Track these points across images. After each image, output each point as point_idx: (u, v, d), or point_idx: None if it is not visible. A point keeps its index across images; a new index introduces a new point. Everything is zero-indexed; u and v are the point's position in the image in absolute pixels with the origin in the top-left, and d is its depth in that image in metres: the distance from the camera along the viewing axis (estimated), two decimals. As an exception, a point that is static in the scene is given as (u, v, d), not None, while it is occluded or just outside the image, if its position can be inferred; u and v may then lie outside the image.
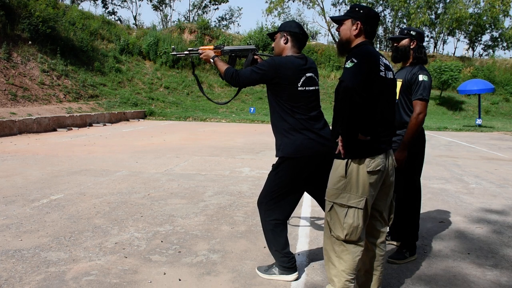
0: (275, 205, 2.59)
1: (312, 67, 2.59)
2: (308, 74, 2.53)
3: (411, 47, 2.97)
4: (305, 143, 2.48)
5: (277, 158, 2.58)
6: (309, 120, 2.52)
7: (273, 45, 2.68)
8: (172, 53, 3.23)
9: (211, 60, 2.77)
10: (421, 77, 2.87)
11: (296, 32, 2.59)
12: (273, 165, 2.59)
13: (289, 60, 2.51)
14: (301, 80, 2.49)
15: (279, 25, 3.88)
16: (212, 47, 2.87)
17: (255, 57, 2.82)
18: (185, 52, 3.01)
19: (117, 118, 15.04)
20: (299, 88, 2.49)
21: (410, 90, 2.92)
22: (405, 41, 2.99)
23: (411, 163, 2.94)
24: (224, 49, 2.88)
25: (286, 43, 2.59)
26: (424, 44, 4.05)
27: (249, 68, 2.57)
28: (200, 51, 2.88)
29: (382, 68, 2.07)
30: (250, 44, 23.29)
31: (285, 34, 2.59)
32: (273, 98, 2.56)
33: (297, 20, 34.66)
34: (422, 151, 3.03)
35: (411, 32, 2.98)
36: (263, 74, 2.49)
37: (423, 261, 3.04)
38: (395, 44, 3.06)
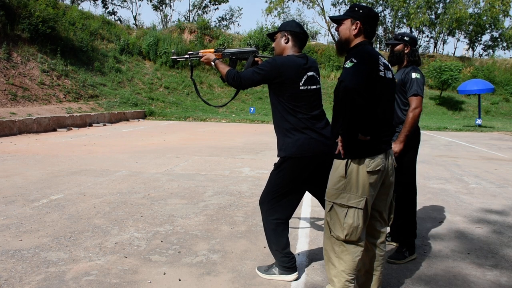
0: (277, 204, 2.59)
1: (313, 66, 2.59)
2: (309, 73, 2.53)
3: (405, 51, 3.15)
4: (307, 143, 2.48)
5: (279, 157, 2.58)
6: (311, 119, 2.52)
7: (273, 45, 2.68)
8: (173, 57, 3.20)
9: (212, 63, 2.77)
10: (413, 75, 3.04)
11: (297, 31, 2.59)
12: (275, 164, 2.59)
13: (291, 59, 2.51)
14: (303, 79, 2.49)
15: (279, 25, 3.89)
16: (213, 50, 2.87)
17: (256, 59, 2.82)
18: (186, 56, 3.00)
19: (117, 118, 15.04)
20: (301, 88, 2.49)
21: (404, 89, 3.07)
22: (399, 46, 3.17)
23: (405, 160, 3.04)
24: (225, 52, 2.88)
25: (287, 42, 2.59)
26: (424, 44, 4.19)
27: (251, 69, 2.56)
28: (200, 54, 2.88)
29: (381, 68, 2.08)
30: (250, 45, 23.35)
31: (285, 34, 2.59)
32: (275, 98, 2.56)
33: (297, 20, 34.84)
34: (416, 148, 3.13)
35: (405, 38, 3.16)
36: (265, 75, 2.49)
37: (423, 261, 3.04)
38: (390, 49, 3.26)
